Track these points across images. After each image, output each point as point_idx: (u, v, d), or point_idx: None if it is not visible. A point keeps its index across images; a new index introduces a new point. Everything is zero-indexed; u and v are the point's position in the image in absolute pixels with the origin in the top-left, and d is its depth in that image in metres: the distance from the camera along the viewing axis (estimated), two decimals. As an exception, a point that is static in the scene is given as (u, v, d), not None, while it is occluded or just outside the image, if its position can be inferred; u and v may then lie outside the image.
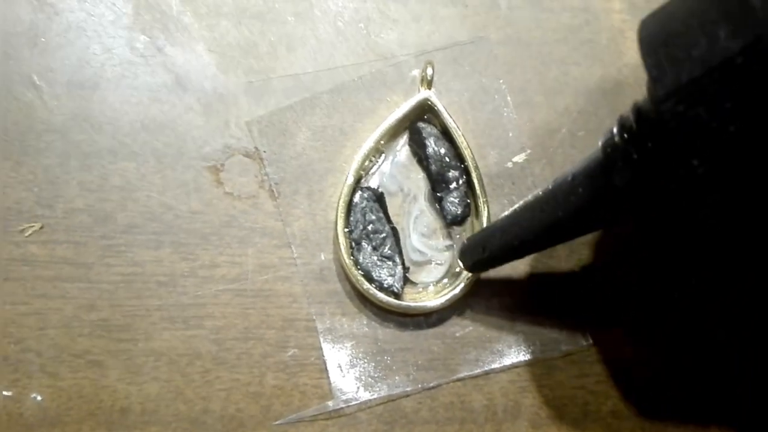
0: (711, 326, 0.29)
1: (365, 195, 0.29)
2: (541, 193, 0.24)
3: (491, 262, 0.27)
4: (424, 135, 0.30)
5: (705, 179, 0.18)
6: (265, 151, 0.29)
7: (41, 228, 0.28)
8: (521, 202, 0.26)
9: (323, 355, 0.28)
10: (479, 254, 0.27)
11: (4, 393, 0.27)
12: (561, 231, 0.24)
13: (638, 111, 0.21)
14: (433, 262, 0.29)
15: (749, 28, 0.16)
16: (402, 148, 0.30)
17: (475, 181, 0.29)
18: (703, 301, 0.30)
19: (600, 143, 0.22)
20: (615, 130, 0.21)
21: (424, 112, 0.30)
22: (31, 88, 0.29)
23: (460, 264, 0.28)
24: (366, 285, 0.28)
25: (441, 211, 0.30)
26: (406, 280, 0.29)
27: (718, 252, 0.30)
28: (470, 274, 0.28)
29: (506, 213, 0.26)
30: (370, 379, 0.28)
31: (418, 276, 0.29)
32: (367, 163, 0.29)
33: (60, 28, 0.29)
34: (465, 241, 0.28)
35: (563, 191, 0.23)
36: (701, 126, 0.17)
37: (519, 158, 0.30)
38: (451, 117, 0.29)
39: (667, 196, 0.20)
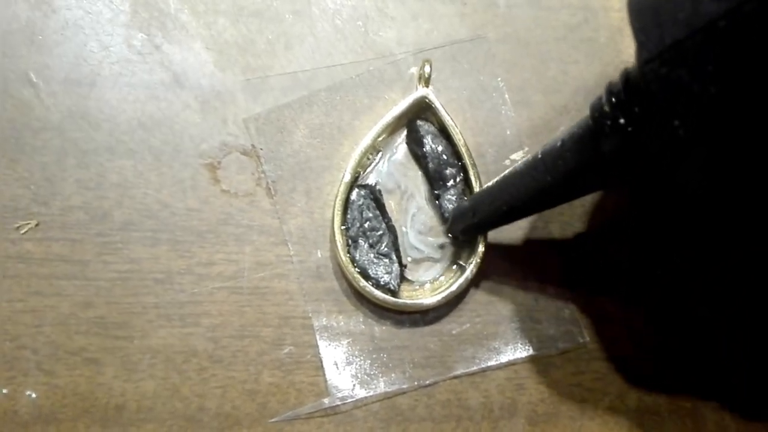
0: (694, 304, 0.29)
1: (362, 192, 0.29)
2: (530, 158, 0.24)
3: (481, 228, 0.27)
4: (421, 133, 0.29)
5: (686, 141, 0.18)
6: (262, 149, 0.29)
7: (37, 225, 0.28)
8: (511, 168, 0.26)
9: (319, 353, 0.28)
10: (469, 219, 0.27)
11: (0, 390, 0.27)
12: (549, 196, 0.24)
13: (626, 76, 0.21)
14: (430, 260, 0.29)
15: None
16: (400, 145, 0.30)
17: (473, 178, 0.29)
18: (686, 279, 0.30)
19: (588, 109, 0.22)
20: (603, 96, 0.21)
21: (422, 109, 0.30)
22: (27, 85, 0.29)
23: (449, 231, 0.28)
24: (362, 282, 0.28)
25: (438, 209, 0.30)
26: (402, 278, 0.29)
27: (702, 225, 0.30)
28: (467, 273, 0.28)
29: (496, 179, 0.26)
30: (366, 377, 0.28)
31: (414, 273, 0.29)
32: (364, 160, 0.29)
33: (57, 25, 0.29)
34: (455, 208, 0.28)
35: (552, 156, 0.23)
36: (683, 88, 0.17)
37: (517, 156, 0.30)
38: (448, 115, 0.29)
39: (654, 161, 0.20)
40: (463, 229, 0.28)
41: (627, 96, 0.20)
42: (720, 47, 0.16)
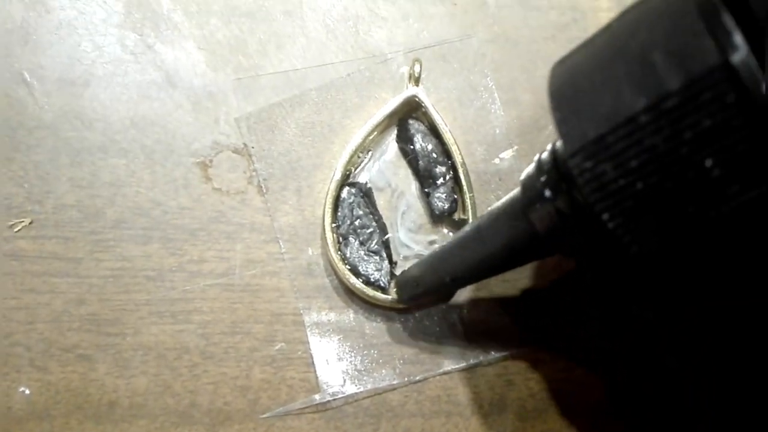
0: (661, 353, 0.29)
1: (353, 190, 0.29)
2: (469, 229, 0.25)
3: (426, 296, 0.27)
4: (411, 131, 0.30)
5: (616, 233, 0.18)
6: (253, 147, 0.30)
7: (31, 223, 0.28)
8: (452, 238, 0.26)
9: (310, 349, 0.28)
10: (414, 289, 0.27)
11: (-6, 386, 0.27)
12: (489, 268, 0.25)
13: (554, 154, 0.21)
14: (420, 257, 0.30)
15: (652, 87, 0.16)
16: (390, 144, 0.31)
17: (462, 177, 0.29)
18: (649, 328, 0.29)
19: (520, 180, 0.22)
20: (533, 169, 0.21)
21: (412, 109, 0.30)
22: (22, 84, 0.29)
23: (399, 300, 0.28)
24: (353, 280, 0.28)
25: (428, 207, 0.30)
26: (393, 275, 0.29)
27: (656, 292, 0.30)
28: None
29: (436, 248, 0.26)
30: (356, 373, 0.28)
31: (405, 271, 0.29)
32: (355, 159, 0.30)
33: (51, 25, 0.30)
34: (399, 277, 0.28)
35: (488, 229, 0.24)
36: (609, 182, 0.17)
37: (506, 155, 0.31)
38: (438, 114, 0.30)
39: (585, 241, 0.20)
40: (409, 298, 0.27)
41: (555, 174, 0.20)
42: (642, 142, 0.16)
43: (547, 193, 0.20)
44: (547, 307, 0.29)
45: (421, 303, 0.29)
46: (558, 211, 0.20)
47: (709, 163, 0.15)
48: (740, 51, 0.14)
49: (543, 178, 0.21)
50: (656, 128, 0.16)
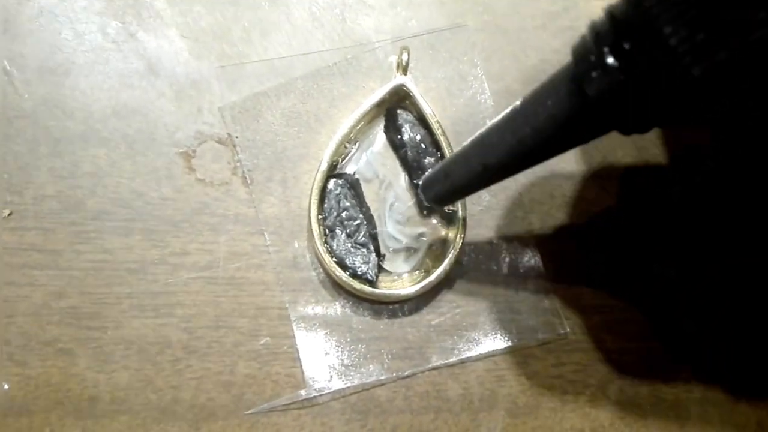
0: (679, 316, 0.29)
1: (339, 182, 0.29)
2: (508, 110, 0.22)
3: (455, 193, 0.25)
4: (400, 121, 0.29)
5: (677, 51, 0.16)
6: (237, 137, 0.29)
7: (10, 214, 0.28)
8: (487, 123, 0.23)
9: (296, 344, 0.28)
10: (442, 183, 0.24)
11: (-29, 381, 0.26)
12: (529, 150, 0.21)
13: (611, 12, 0.19)
14: (409, 250, 0.29)
15: None
16: (378, 134, 0.30)
17: (451, 167, 0.29)
18: (669, 289, 0.29)
19: (570, 51, 0.20)
20: (587, 34, 0.19)
21: (400, 98, 0.30)
22: (1, 73, 0.28)
23: (423, 198, 0.26)
24: (340, 272, 0.27)
25: (417, 198, 0.29)
26: (380, 268, 0.28)
27: (691, 229, 0.29)
28: (445, 263, 0.28)
29: (471, 138, 0.23)
30: (343, 368, 0.28)
31: (393, 264, 0.29)
32: (342, 149, 0.29)
33: (32, 13, 0.29)
34: (428, 173, 0.26)
35: (532, 105, 0.21)
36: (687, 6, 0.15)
37: (496, 145, 0.30)
38: (427, 103, 0.29)
39: (649, 106, 0.18)
40: (437, 196, 0.25)
41: (614, 29, 0.18)
42: None
43: (602, 50, 0.18)
44: (545, 305, 0.29)
45: (445, 203, 0.26)
46: (615, 69, 0.18)
47: None
48: None
49: (599, 34, 0.18)
50: None
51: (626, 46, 0.18)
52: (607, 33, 0.18)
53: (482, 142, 0.23)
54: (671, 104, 0.18)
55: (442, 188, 0.24)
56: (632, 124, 0.19)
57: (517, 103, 0.21)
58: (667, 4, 0.16)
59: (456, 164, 0.24)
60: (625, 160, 0.30)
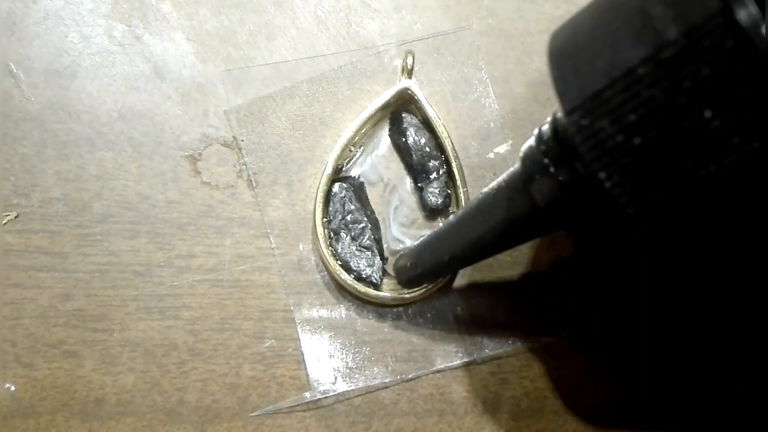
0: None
1: (344, 185, 0.29)
2: (468, 207, 0.24)
3: (423, 278, 0.27)
4: (404, 125, 0.29)
5: (613, 194, 0.17)
6: (243, 141, 0.29)
7: (17, 217, 0.28)
8: (450, 217, 0.26)
9: (301, 346, 0.28)
10: (411, 271, 0.26)
11: (-22, 383, 0.27)
12: (488, 245, 0.24)
13: (554, 123, 0.20)
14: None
15: (650, 38, 0.15)
16: (382, 138, 0.30)
17: (456, 171, 0.29)
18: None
19: (520, 154, 0.21)
20: (533, 141, 0.21)
21: (405, 102, 0.30)
22: (8, 76, 0.29)
23: (398, 282, 0.28)
24: (344, 275, 0.28)
25: (421, 201, 0.29)
26: (385, 271, 0.29)
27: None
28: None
29: (436, 230, 0.26)
30: (348, 371, 0.28)
31: (397, 267, 0.29)
32: (346, 152, 0.29)
33: (38, 16, 0.29)
34: (396, 259, 0.28)
35: (488, 205, 0.23)
36: (606, 139, 0.16)
37: (501, 149, 0.30)
38: (432, 107, 0.29)
39: (586, 212, 0.20)
40: (407, 280, 0.27)
41: (555, 143, 0.20)
42: (640, 95, 0.16)
43: (547, 162, 0.20)
44: (544, 303, 0.29)
45: (416, 285, 0.28)
46: (558, 182, 0.20)
47: (708, 113, 0.15)
48: None
49: (543, 148, 0.20)
50: (654, 79, 0.15)
51: (567, 164, 0.19)
52: (551, 147, 0.20)
53: (447, 235, 0.25)
54: (608, 228, 0.20)
55: (413, 275, 0.27)
56: (581, 231, 0.21)
57: (476, 201, 0.24)
58: (600, 153, 0.17)
59: (423, 255, 0.26)
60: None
